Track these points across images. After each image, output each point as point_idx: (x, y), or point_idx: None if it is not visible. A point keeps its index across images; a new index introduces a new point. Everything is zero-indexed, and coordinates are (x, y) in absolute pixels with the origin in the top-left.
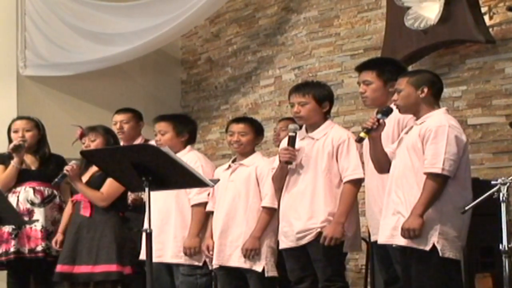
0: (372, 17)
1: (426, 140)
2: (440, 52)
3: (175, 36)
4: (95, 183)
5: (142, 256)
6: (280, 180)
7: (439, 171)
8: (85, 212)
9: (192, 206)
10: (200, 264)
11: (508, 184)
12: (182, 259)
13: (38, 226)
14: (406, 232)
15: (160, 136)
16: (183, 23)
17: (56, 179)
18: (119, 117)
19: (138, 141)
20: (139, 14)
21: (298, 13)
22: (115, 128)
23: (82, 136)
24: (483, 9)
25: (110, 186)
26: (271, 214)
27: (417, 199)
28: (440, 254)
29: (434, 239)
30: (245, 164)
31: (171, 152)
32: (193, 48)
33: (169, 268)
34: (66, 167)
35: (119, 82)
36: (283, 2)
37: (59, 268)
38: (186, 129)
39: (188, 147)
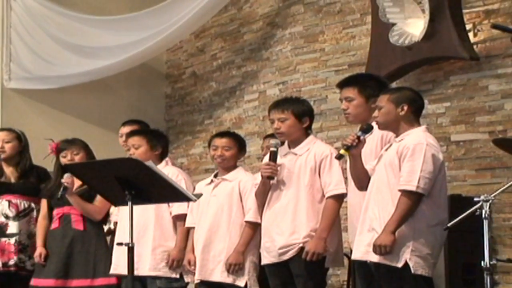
0: (357, 33)
1: (403, 158)
2: (424, 69)
3: (160, 50)
4: (87, 197)
5: (114, 270)
6: (262, 195)
7: (413, 188)
8: (78, 225)
9: (175, 217)
10: (177, 276)
11: (490, 201)
12: (160, 272)
13: (11, 240)
14: (377, 249)
15: (133, 150)
16: (168, 37)
17: (61, 193)
18: (124, 130)
19: None
20: (125, 28)
21: (283, 28)
22: (121, 141)
23: (58, 150)
24: (468, 26)
25: (103, 199)
26: (255, 229)
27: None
28: (412, 271)
29: (406, 256)
30: (227, 179)
31: (154, 166)
32: (178, 62)
33: (142, 281)
34: (65, 180)
35: (103, 95)
36: (268, 17)
37: (51, 282)
38: (160, 143)
39: (164, 161)
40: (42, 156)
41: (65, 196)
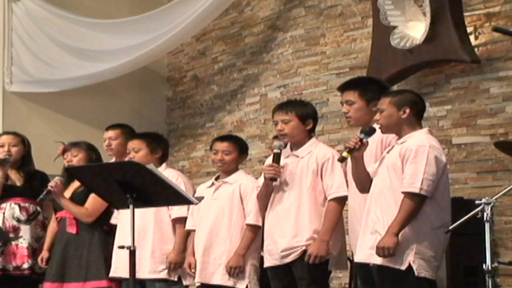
0: (358, 36)
1: (406, 160)
2: (426, 72)
3: (162, 54)
4: (79, 199)
5: (114, 273)
6: (265, 197)
7: (416, 190)
8: (71, 229)
9: (175, 220)
10: (175, 279)
11: (492, 204)
12: (160, 275)
13: (24, 243)
14: (381, 251)
15: (133, 153)
16: (169, 40)
17: (42, 196)
18: (107, 134)
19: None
20: (126, 31)
21: (284, 31)
22: (104, 145)
23: (64, 152)
24: (469, 29)
25: (95, 201)
26: (255, 232)
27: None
28: (416, 274)
29: (410, 259)
30: (228, 182)
31: (156, 169)
32: (179, 65)
33: (141, 284)
34: (51, 184)
35: (104, 99)
36: (270, 20)
37: (48, 286)
38: (159, 146)
39: (164, 164)
40: (43, 160)
41: (44, 198)
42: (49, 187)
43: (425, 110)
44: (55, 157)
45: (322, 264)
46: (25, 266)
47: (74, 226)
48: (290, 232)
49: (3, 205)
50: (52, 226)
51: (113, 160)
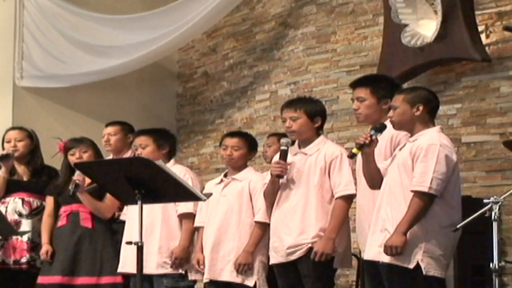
0: (369, 33)
1: (416, 158)
2: (436, 70)
3: (172, 50)
4: (96, 195)
5: (121, 268)
6: (271, 195)
7: (426, 189)
8: (87, 223)
9: (181, 216)
10: (183, 272)
11: (500, 203)
12: (167, 270)
13: (24, 237)
14: (388, 249)
15: (141, 150)
16: (180, 36)
17: (73, 190)
18: (106, 130)
19: (128, 154)
20: (137, 27)
21: (295, 28)
22: (103, 141)
23: (66, 149)
24: (480, 28)
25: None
26: (264, 229)
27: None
28: (424, 272)
29: (418, 257)
30: (237, 179)
31: (164, 165)
32: (189, 61)
33: (149, 280)
34: (77, 178)
35: (114, 94)
36: (281, 17)
37: (57, 279)
38: (166, 142)
39: (173, 160)
40: (53, 155)
41: (75, 192)
42: (76, 181)
43: (438, 107)
44: (53, 155)
45: (327, 262)
46: (23, 260)
47: (89, 220)
48: (296, 229)
49: (7, 199)
50: (49, 221)
51: (110, 156)
